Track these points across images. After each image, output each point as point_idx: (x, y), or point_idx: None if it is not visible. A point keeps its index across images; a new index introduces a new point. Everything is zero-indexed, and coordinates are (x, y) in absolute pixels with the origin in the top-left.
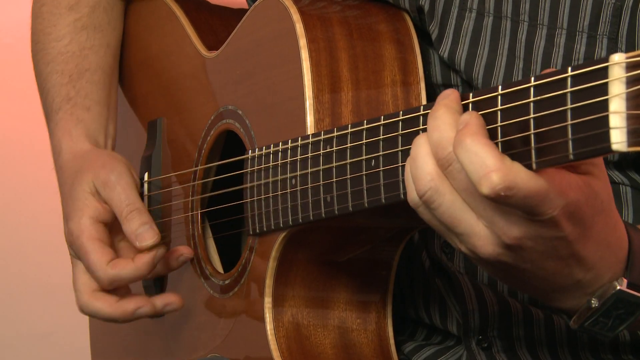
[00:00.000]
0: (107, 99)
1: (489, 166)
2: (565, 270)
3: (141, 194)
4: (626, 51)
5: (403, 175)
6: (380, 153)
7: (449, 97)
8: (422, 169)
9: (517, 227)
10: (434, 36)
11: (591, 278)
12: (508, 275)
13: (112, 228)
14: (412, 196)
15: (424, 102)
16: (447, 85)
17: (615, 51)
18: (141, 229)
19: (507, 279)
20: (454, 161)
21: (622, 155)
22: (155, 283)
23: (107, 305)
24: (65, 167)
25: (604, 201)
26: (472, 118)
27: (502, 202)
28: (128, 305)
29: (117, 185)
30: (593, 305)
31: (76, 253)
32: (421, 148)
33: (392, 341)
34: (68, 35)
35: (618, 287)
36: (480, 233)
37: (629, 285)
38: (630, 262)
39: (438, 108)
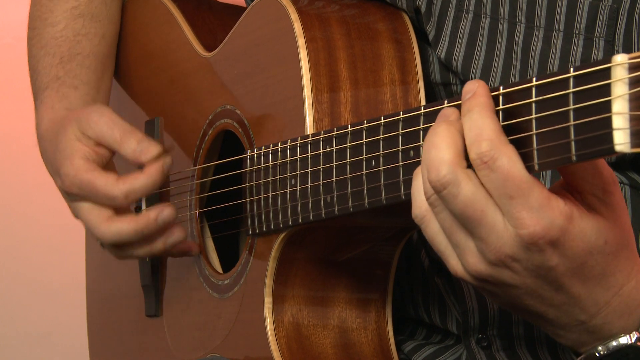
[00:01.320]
0: (98, 83)
1: (484, 135)
2: (563, 307)
3: None
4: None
5: (404, 175)
6: (381, 152)
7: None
8: (418, 193)
9: (508, 247)
10: (430, 37)
11: (598, 324)
12: (505, 301)
13: None
14: (414, 212)
15: (422, 101)
16: (446, 84)
17: (612, 54)
18: (141, 145)
19: (505, 305)
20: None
21: (620, 156)
22: (154, 283)
23: (127, 221)
24: (45, 135)
25: (608, 242)
26: (480, 88)
27: (483, 175)
28: (150, 213)
29: (102, 117)
30: (601, 353)
31: (79, 192)
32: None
33: (392, 340)
34: (64, 21)
35: (629, 342)
36: (473, 249)
37: None
38: None
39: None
